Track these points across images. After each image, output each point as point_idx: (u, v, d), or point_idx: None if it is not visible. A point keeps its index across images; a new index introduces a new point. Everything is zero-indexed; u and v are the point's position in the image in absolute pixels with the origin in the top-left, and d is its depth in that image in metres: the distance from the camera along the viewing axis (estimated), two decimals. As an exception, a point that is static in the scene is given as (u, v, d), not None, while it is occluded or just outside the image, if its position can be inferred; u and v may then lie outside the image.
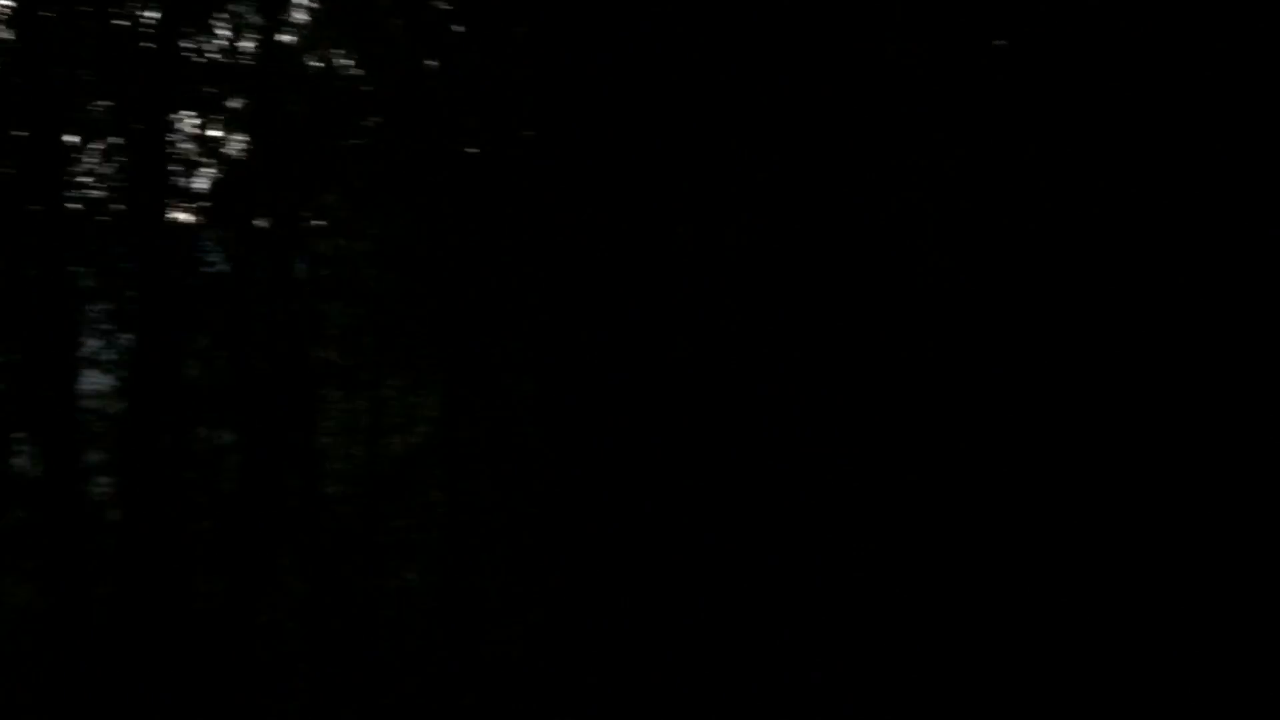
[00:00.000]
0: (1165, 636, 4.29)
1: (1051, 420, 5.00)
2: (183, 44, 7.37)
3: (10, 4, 6.83)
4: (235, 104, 7.68)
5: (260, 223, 7.55)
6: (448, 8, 8.17)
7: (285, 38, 8.00)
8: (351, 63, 8.37)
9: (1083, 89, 5.13)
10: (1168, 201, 5.01)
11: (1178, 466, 4.65)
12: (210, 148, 7.54)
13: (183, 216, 7.24)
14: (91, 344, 6.99)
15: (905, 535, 4.98)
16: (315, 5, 8.02)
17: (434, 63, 8.26)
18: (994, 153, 5.30)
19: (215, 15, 7.57)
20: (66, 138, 7.04)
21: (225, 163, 7.59)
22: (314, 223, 7.86)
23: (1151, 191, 5.01)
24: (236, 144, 7.64)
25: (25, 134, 6.74)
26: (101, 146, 7.26)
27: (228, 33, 7.62)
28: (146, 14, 7.06)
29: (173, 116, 7.26)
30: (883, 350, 5.36)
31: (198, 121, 7.51)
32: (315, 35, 8.20)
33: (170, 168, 7.03)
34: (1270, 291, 4.64)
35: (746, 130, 5.79)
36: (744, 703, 5.02)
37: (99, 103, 7.29)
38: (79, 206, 7.16)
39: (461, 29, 8.39)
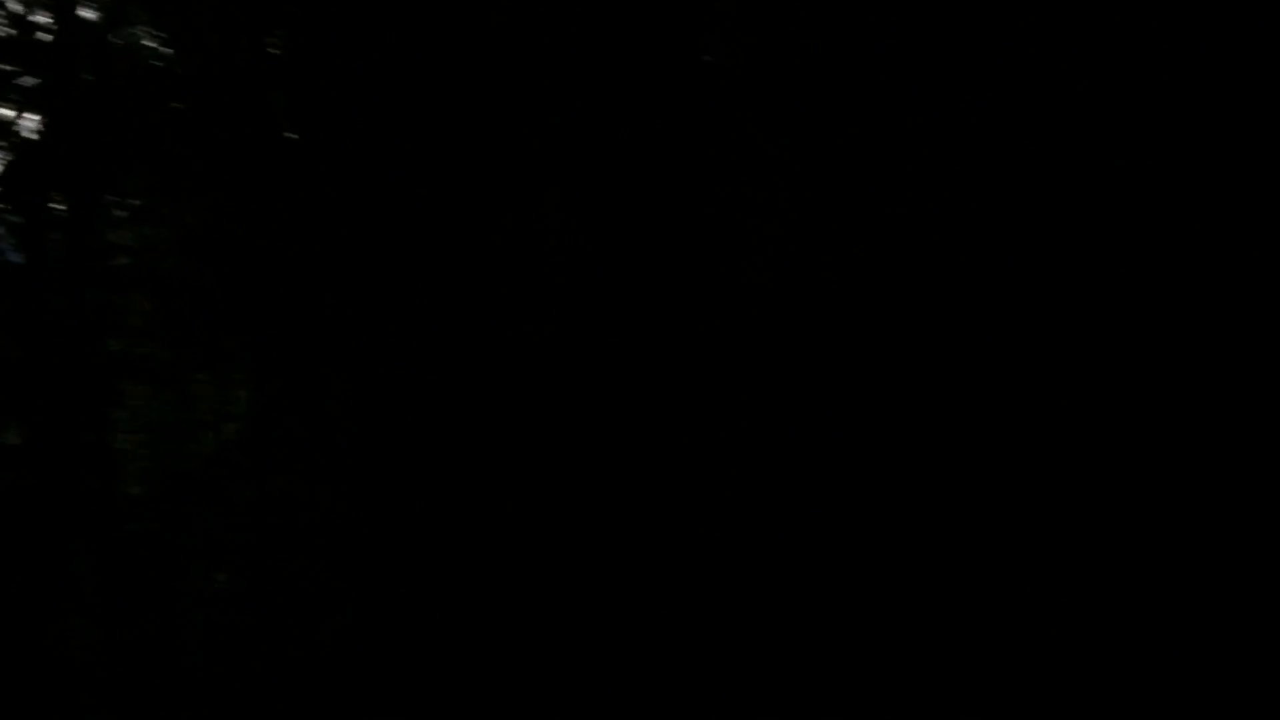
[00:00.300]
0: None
1: (877, 420, 4.94)
2: (-33, 17, 6.97)
3: None
4: (29, 82, 7.29)
5: (56, 208, 7.16)
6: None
7: (86, 12, 7.63)
8: (159, 41, 8.01)
9: (910, 89, 5.07)
10: (994, 199, 4.97)
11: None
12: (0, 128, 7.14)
13: (-33, 201, 6.84)
14: None
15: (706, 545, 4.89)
16: (118, -22, 7.66)
17: (248, 43, 7.96)
18: (817, 152, 5.23)
19: (6, -13, 7.18)
20: None
21: (17, 144, 7.19)
22: (115, 209, 7.48)
23: (983, 189, 4.98)
24: (30, 125, 7.25)
25: None
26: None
27: (19, 6, 7.24)
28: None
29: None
30: (707, 348, 5.25)
31: (-15, 100, 7.13)
32: (120, 11, 7.83)
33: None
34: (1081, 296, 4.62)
35: (572, 127, 5.65)
36: (557, 700, 4.90)
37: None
38: None
39: (280, 9, 8.10)
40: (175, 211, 7.39)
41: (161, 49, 7.95)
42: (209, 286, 7.16)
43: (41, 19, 7.38)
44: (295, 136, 7.54)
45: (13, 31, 7.31)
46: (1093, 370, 4.68)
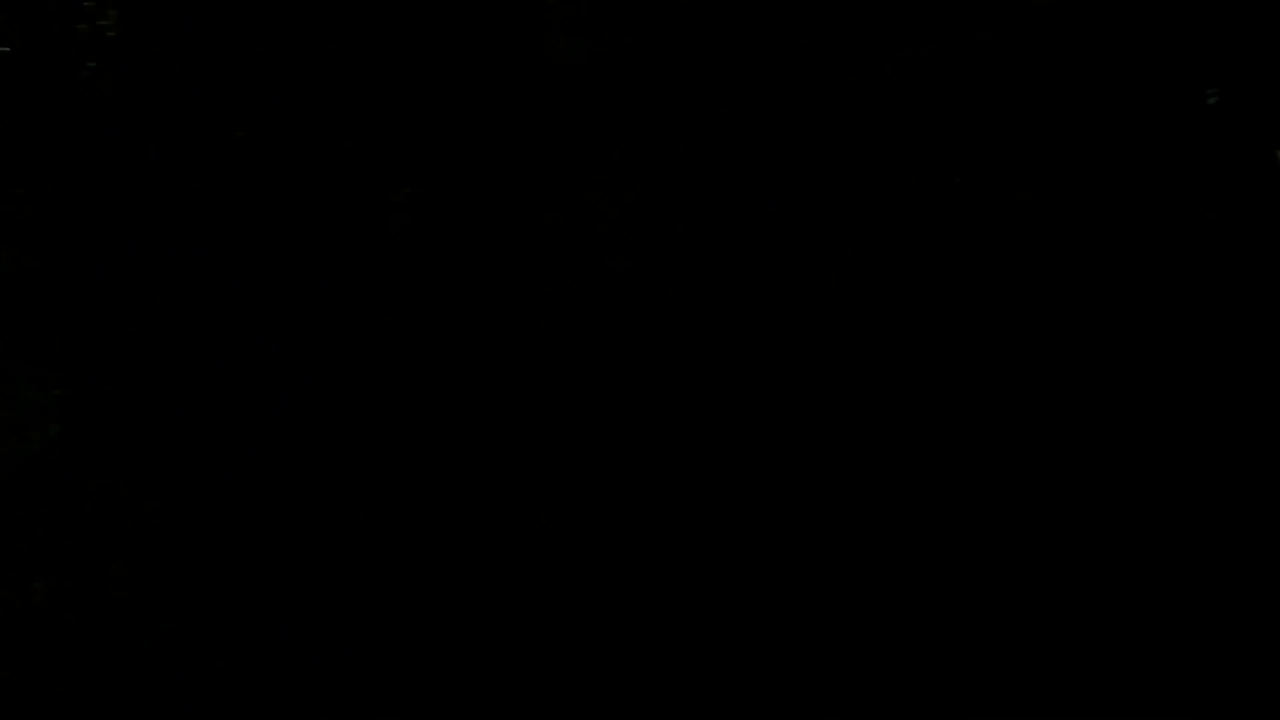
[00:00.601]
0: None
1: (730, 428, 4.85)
2: None
3: None
4: None
5: None
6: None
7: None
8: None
9: (755, 94, 5.00)
10: (847, 198, 4.90)
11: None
12: None
13: None
14: None
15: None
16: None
17: (81, 24, 7.70)
18: (664, 155, 5.14)
19: None
20: None
21: None
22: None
23: (836, 188, 4.90)
24: None
25: None
26: None
27: None
28: None
29: None
30: (549, 346, 5.10)
31: None
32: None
33: None
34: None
35: (407, 126, 5.47)
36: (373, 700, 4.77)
37: None
38: None
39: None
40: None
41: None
42: (25, 279, 6.84)
43: None
44: (124, 122, 7.26)
45: None
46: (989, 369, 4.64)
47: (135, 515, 6.67)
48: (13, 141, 7.08)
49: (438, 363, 5.34)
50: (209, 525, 6.07)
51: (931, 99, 4.79)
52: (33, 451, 7.64)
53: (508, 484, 5.01)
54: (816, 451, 4.81)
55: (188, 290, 6.54)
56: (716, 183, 5.15)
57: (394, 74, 5.70)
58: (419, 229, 5.59)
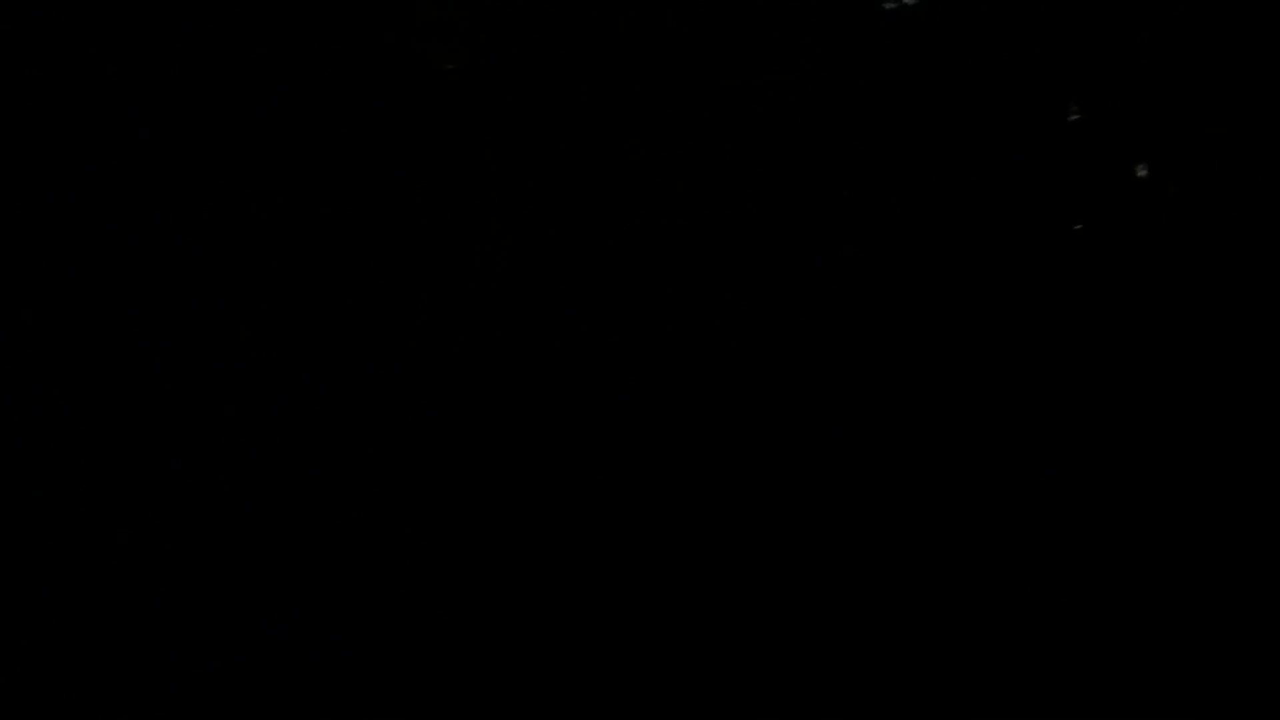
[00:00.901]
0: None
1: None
2: None
3: None
4: None
5: None
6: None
7: None
8: None
9: (639, 96, 5.08)
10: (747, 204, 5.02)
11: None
12: None
13: None
14: None
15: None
16: None
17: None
18: (544, 160, 5.18)
19: None
20: None
21: None
22: None
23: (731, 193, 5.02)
24: None
25: None
26: None
27: None
28: None
29: None
30: (429, 360, 5.12)
31: None
32: None
33: None
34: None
35: (277, 125, 5.40)
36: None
37: None
38: None
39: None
40: None
41: None
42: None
43: None
44: None
45: None
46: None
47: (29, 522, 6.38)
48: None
49: (306, 365, 5.31)
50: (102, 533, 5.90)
51: (801, 111, 4.94)
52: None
53: (410, 483, 5.02)
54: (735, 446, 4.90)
55: (64, 281, 6.34)
56: (599, 187, 5.23)
57: (259, 75, 5.63)
58: (288, 233, 5.56)
